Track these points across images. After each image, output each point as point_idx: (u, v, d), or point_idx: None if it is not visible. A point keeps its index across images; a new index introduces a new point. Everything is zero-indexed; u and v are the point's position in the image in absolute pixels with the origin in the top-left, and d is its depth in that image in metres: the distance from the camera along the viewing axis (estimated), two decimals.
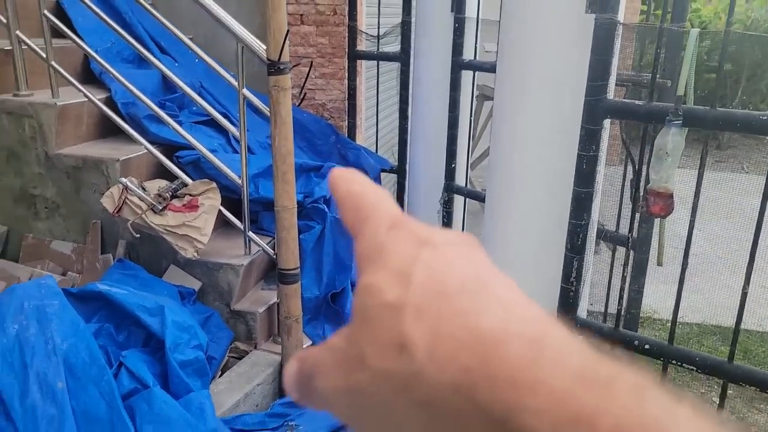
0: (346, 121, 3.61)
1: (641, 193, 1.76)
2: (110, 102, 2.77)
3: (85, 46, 2.66)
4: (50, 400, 1.69)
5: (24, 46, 2.57)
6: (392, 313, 0.23)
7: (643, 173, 1.84)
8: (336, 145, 3.53)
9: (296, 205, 2.40)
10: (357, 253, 0.26)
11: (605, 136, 1.74)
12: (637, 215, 2.20)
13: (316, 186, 2.92)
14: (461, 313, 0.22)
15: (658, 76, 1.75)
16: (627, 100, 1.84)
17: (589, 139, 1.69)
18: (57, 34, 2.65)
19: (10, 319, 1.78)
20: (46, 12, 2.55)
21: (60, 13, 3.00)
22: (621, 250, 2.32)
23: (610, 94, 1.77)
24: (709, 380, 2.90)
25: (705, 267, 4.18)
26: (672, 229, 3.99)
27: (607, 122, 1.71)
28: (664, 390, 0.20)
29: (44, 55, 2.56)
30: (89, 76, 2.93)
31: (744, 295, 1.59)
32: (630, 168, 2.34)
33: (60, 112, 2.56)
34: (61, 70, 2.57)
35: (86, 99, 2.62)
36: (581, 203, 1.74)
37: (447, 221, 3.37)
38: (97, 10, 2.63)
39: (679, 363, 1.65)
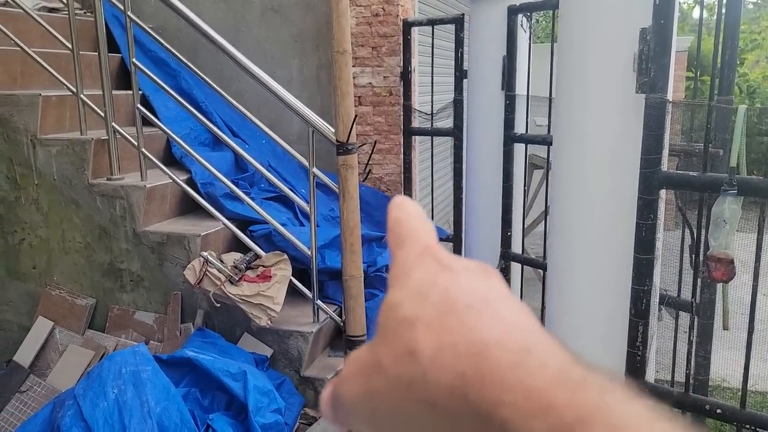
0: (402, 193, 3.79)
1: (701, 259, 1.82)
2: (190, 182, 3.03)
3: (171, 133, 2.95)
4: None
5: (118, 136, 2.87)
6: (407, 327, 0.26)
7: (702, 238, 1.91)
8: None
9: (363, 275, 2.54)
10: (389, 274, 0.30)
11: (661, 204, 1.84)
12: (699, 280, 2.24)
13: (378, 255, 3.06)
14: (464, 327, 0.25)
15: (710, 146, 1.85)
16: (681, 172, 1.94)
17: (646, 208, 1.78)
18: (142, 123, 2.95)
19: (110, 384, 1.94)
20: (139, 105, 2.85)
21: (144, 103, 3.34)
22: (684, 316, 2.34)
23: (664, 165, 1.88)
24: None
25: None
26: (735, 294, 3.93)
27: (662, 191, 1.81)
28: (630, 390, 0.23)
29: (135, 143, 2.85)
30: (170, 159, 3.22)
31: None
32: (687, 232, 2.40)
33: (148, 193, 2.82)
34: (150, 156, 2.84)
35: (170, 180, 2.88)
36: (643, 269, 1.81)
37: None
38: (180, 99, 2.93)
39: (753, 428, 1.67)
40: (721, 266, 1.64)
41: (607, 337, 1.95)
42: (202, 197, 2.93)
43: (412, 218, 0.31)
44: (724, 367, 3.16)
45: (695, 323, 1.92)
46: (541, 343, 0.25)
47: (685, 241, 2.49)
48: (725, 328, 2.57)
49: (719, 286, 2.28)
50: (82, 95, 2.92)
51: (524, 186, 3.31)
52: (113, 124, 2.84)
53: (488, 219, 3.36)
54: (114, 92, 2.94)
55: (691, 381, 2.28)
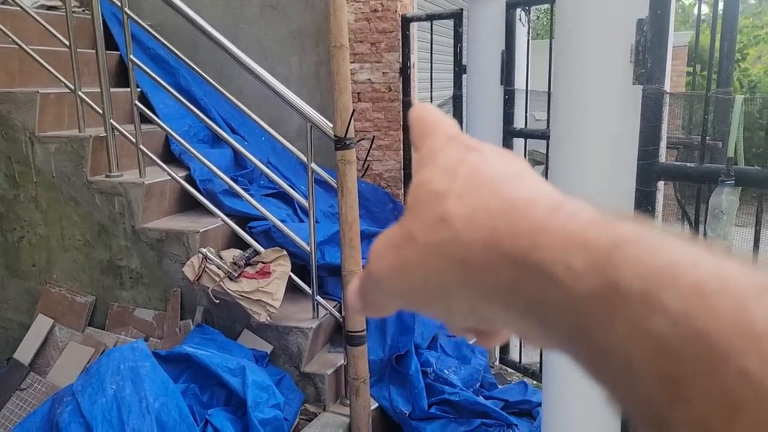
0: (402, 189, 3.79)
1: None
2: (189, 179, 3.03)
3: (169, 130, 2.95)
4: None
5: (117, 133, 2.87)
6: (437, 199, 0.27)
7: (700, 231, 1.90)
8: (393, 212, 3.70)
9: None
10: (414, 163, 0.31)
11: (660, 196, 1.83)
12: None
13: None
14: (495, 193, 0.26)
15: (708, 138, 1.84)
16: (679, 163, 1.93)
17: (644, 200, 1.78)
18: (141, 120, 2.95)
19: (109, 380, 1.94)
20: (137, 102, 2.85)
21: (143, 101, 3.34)
22: None
23: (662, 157, 1.87)
24: None
25: None
26: None
27: (660, 183, 1.80)
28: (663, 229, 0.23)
29: (134, 140, 2.85)
30: (169, 156, 3.22)
31: None
32: (686, 226, 2.39)
33: (147, 189, 2.82)
34: (149, 153, 2.84)
35: (169, 177, 2.88)
36: None
37: None
38: (179, 96, 2.93)
39: None
40: None
41: None
42: (201, 194, 2.93)
43: (434, 114, 0.32)
44: None
45: None
46: (570, 201, 0.25)
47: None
48: None
49: None
50: (80, 92, 2.92)
51: None
52: (111, 121, 2.84)
53: None
54: (112, 90, 2.94)
55: None
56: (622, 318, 0.20)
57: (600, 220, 0.23)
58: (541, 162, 4.43)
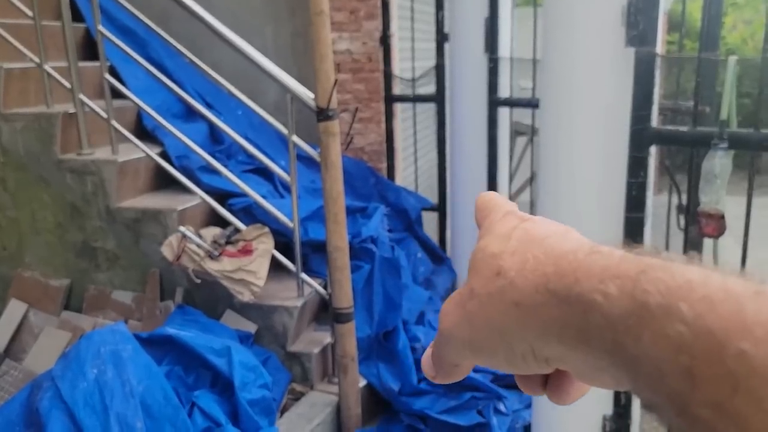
0: (385, 163, 3.72)
1: (691, 217, 1.79)
2: (164, 156, 2.92)
3: (142, 104, 2.83)
4: None
5: (87, 109, 2.74)
6: (493, 258, 0.32)
7: (691, 201, 1.88)
8: (376, 186, 3.63)
9: (348, 247, 2.47)
10: (479, 235, 0.36)
11: (651, 162, 1.79)
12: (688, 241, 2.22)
13: (362, 226, 3.00)
14: (544, 245, 0.31)
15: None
16: (672, 127, 1.89)
17: (637, 165, 1.74)
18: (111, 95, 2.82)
19: (89, 364, 1.87)
20: (107, 75, 2.73)
21: (112, 74, 3.20)
22: None
23: (654, 122, 1.83)
24: None
25: None
26: (722, 256, 3.95)
27: (652, 149, 1.76)
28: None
29: (105, 115, 2.73)
30: (142, 132, 3.10)
31: None
32: (675, 196, 2.37)
33: (120, 167, 2.71)
34: (121, 128, 2.73)
35: (143, 154, 2.77)
36: (633, 228, 1.78)
37: None
38: (152, 68, 2.81)
39: None
40: (712, 222, 1.60)
41: None
42: (177, 171, 2.83)
43: (495, 197, 0.38)
44: None
45: None
46: (604, 247, 0.30)
47: (672, 205, 2.47)
48: None
49: (709, 245, 2.26)
50: (46, 66, 2.78)
51: (509, 151, 3.25)
52: (81, 96, 2.71)
53: (473, 186, 3.31)
54: (80, 64, 2.80)
55: None
56: (649, 329, 0.25)
57: (629, 256, 0.28)
58: (524, 133, 4.39)
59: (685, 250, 1.85)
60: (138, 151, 2.77)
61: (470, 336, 0.33)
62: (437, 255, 3.51)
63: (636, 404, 2.01)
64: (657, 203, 3.05)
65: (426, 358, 0.38)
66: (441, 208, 3.56)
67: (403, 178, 4.05)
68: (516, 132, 4.55)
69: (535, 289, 0.29)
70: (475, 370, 2.80)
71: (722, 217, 1.66)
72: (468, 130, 3.27)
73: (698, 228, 1.70)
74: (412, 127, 3.77)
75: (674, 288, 0.25)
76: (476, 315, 0.32)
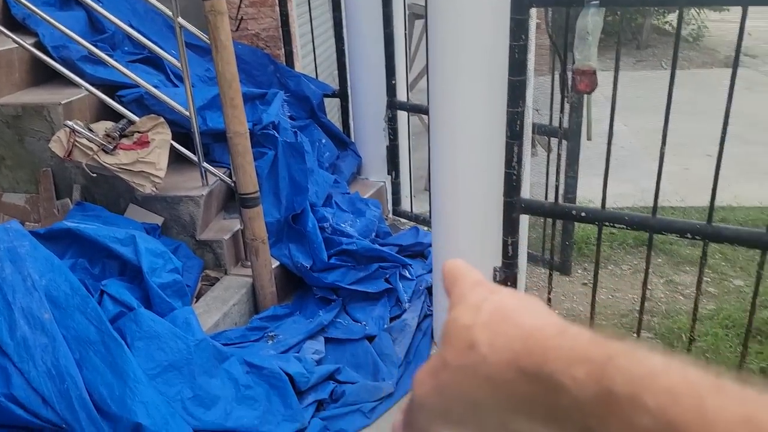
0: (283, 50, 3.62)
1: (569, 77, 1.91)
2: (39, 46, 2.70)
3: None
4: (40, 331, 1.77)
5: None
6: (466, 330, 0.33)
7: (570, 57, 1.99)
8: (275, 74, 3.55)
9: (248, 132, 2.46)
10: (449, 305, 0.38)
11: (533, 25, 1.87)
12: (567, 107, 2.38)
13: (263, 113, 2.97)
14: (512, 322, 0.32)
15: None
16: None
17: (518, 29, 1.82)
18: None
19: None
20: None
21: None
22: (556, 146, 2.50)
23: None
24: (640, 247, 3.21)
25: (632, 159, 4.49)
26: (600, 128, 4.25)
27: (533, 12, 1.84)
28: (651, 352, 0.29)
29: None
30: (11, 22, 2.83)
31: (661, 161, 1.80)
32: (559, 68, 2.50)
33: None
34: None
35: (15, 45, 2.55)
36: (516, 91, 1.89)
37: (393, 138, 3.49)
38: None
39: (611, 224, 1.87)
40: (585, 78, 1.73)
41: (485, 162, 2.06)
42: (56, 62, 2.64)
43: (461, 265, 0.39)
44: (590, 191, 3.47)
45: (564, 146, 2.06)
46: (572, 328, 0.31)
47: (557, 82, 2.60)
48: (589, 138, 2.80)
49: (583, 102, 2.44)
50: None
51: (405, 31, 3.26)
52: None
53: (372, 69, 3.31)
54: None
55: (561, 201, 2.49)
56: (616, 416, 0.26)
57: (596, 339, 0.29)
58: (421, 15, 4.36)
59: (562, 107, 1.99)
60: (9, 41, 2.55)
61: (442, 406, 0.34)
62: (341, 140, 3.55)
63: None
64: (545, 83, 3.19)
65: (397, 423, 0.39)
66: (343, 94, 3.56)
67: (304, 65, 3.98)
68: (414, 15, 4.51)
69: (506, 365, 0.30)
70: (381, 244, 2.96)
71: (594, 72, 1.79)
72: (363, 11, 3.22)
73: (573, 85, 1.83)
74: (308, 12, 3.65)
75: (638, 377, 0.26)
76: (449, 386, 0.33)
